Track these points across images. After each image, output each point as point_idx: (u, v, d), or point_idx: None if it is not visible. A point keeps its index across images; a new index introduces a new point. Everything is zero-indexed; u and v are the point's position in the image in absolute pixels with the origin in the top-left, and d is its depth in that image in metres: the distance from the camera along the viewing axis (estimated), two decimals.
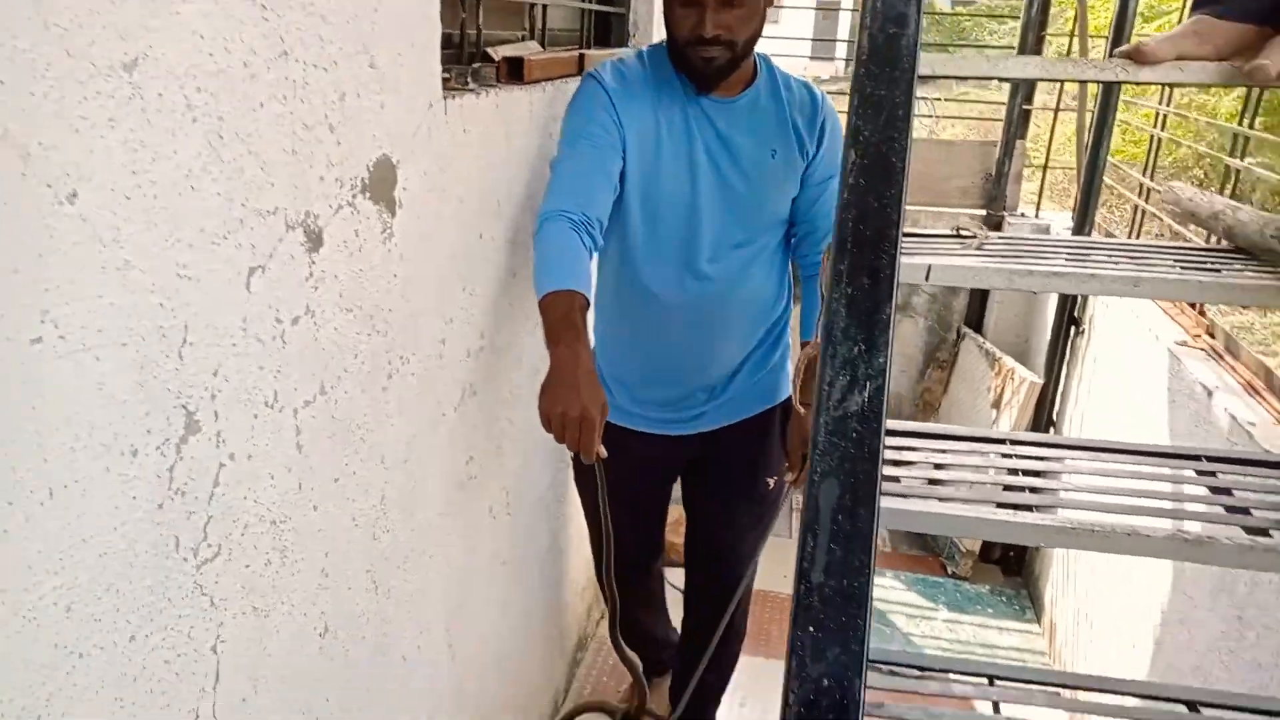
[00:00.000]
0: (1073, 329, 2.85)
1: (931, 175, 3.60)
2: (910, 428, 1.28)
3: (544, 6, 1.92)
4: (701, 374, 1.75)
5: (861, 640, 0.50)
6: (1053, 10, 3.55)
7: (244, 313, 0.89)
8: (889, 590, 3.11)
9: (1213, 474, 1.11)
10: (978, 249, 1.23)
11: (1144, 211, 2.64)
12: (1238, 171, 2.11)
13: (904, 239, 1.31)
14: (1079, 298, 2.85)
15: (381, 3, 1.07)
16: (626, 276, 1.69)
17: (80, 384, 0.71)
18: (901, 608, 3.00)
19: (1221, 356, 1.90)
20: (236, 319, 0.88)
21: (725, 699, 2.19)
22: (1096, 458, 1.17)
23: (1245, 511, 0.99)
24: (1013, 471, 1.14)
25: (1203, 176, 5.27)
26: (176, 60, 0.76)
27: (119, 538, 0.77)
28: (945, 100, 5.92)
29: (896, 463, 1.18)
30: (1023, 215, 3.54)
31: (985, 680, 1.12)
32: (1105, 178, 2.88)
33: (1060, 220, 3.46)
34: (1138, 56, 1.11)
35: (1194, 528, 0.98)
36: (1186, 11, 1.22)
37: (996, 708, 1.08)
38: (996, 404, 3.13)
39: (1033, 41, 3.32)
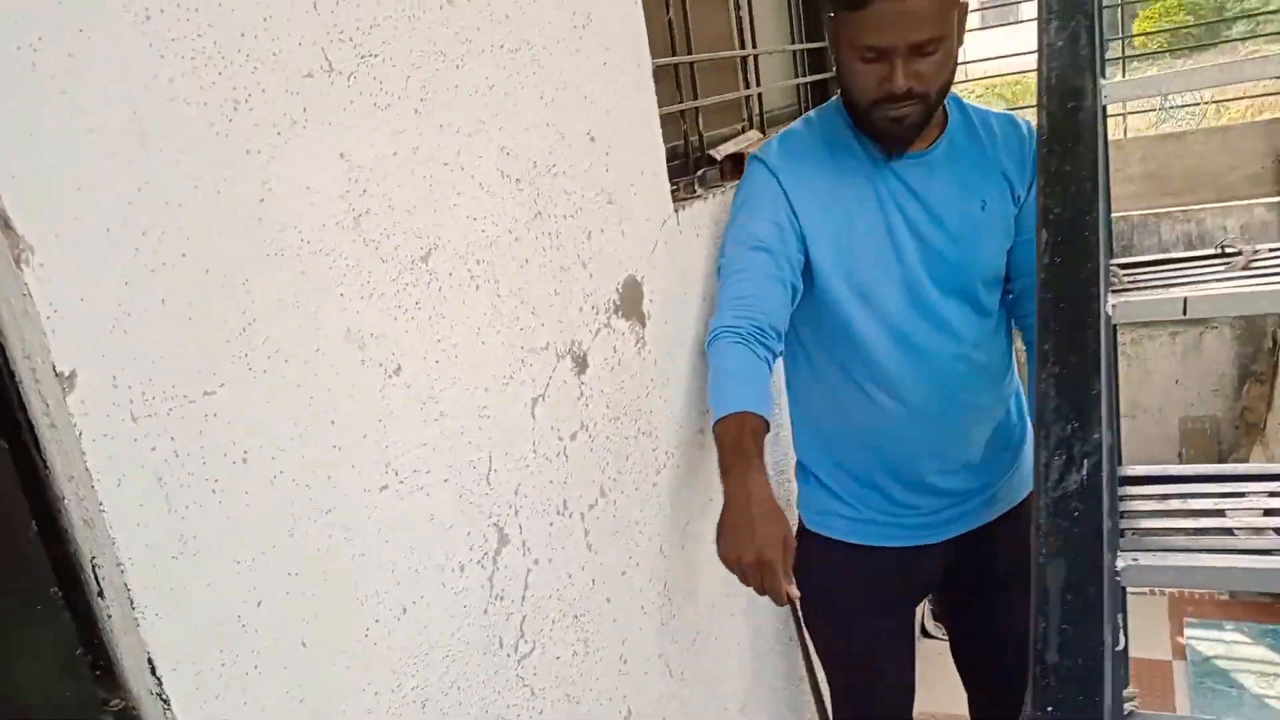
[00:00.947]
0: None
1: (1209, 168, 3.26)
2: (1216, 471, 1.18)
3: (759, 94, 2.03)
4: (941, 461, 1.49)
5: (1099, 715, 0.51)
6: None
7: (532, 438, 1.04)
8: (1230, 646, 2.74)
9: None
10: (1244, 268, 1.14)
11: None
12: None
13: (1155, 268, 1.23)
14: None
15: (611, 145, 1.22)
16: (842, 369, 1.48)
17: (416, 517, 0.87)
18: (1248, 664, 2.64)
19: None
20: (528, 443, 1.03)
21: None
22: None
23: None
24: None
25: None
26: (459, 242, 0.92)
27: (457, 641, 0.92)
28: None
29: (1217, 513, 1.10)
30: None
31: None
32: None
33: None
34: None
35: None
36: None
37: None
38: None
39: None
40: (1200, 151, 3.21)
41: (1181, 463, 3.45)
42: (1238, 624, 2.83)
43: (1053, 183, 0.64)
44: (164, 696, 0.63)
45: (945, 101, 1.41)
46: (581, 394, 1.14)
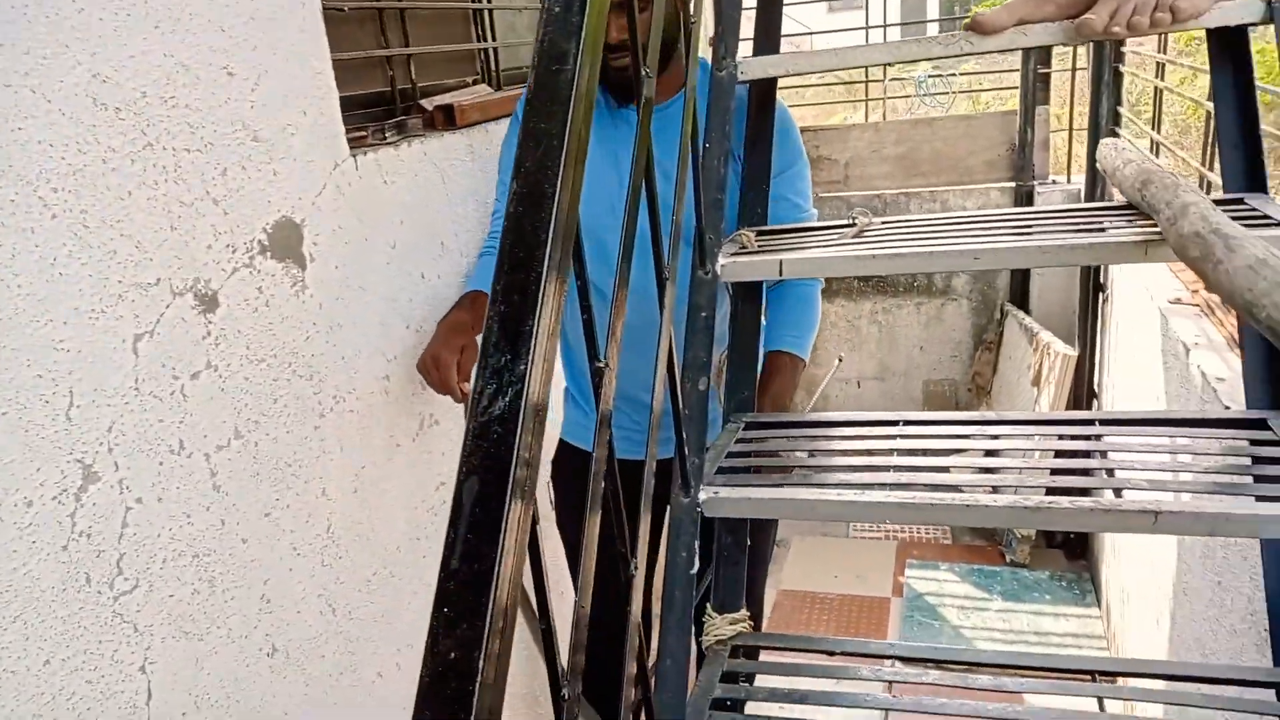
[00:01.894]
0: (1100, 295, 2.75)
1: (954, 153, 3.54)
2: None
3: (494, 49, 2.03)
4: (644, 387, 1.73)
5: (484, 617, 0.56)
6: None
7: (134, 374, 1.02)
8: (942, 584, 3.05)
9: (1095, 437, 1.10)
10: (855, 237, 1.26)
11: None
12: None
13: (790, 235, 1.34)
14: (1103, 265, 2.75)
15: (258, 82, 1.19)
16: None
17: None
18: (953, 600, 2.94)
19: (1213, 311, 1.82)
20: (127, 380, 1.01)
21: None
22: (1015, 429, 1.16)
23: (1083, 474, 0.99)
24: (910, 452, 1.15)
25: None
26: (24, 168, 0.89)
27: (21, 576, 0.90)
28: (960, 75, 5.71)
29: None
30: (1054, 182, 3.43)
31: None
32: (1122, 133, 2.77)
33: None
34: (978, 28, 1.12)
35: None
36: None
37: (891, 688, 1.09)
38: (1036, 381, 3.04)
39: None
40: (947, 137, 3.48)
41: None
42: (951, 565, 3.15)
43: (528, 137, 0.69)
44: None
45: (687, 63, 1.50)
46: (208, 333, 1.12)
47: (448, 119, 1.71)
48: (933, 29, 13.56)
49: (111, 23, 0.98)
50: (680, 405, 1.04)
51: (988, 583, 3.01)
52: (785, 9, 1.44)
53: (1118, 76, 2.92)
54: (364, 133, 1.49)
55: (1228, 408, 1.45)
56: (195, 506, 1.11)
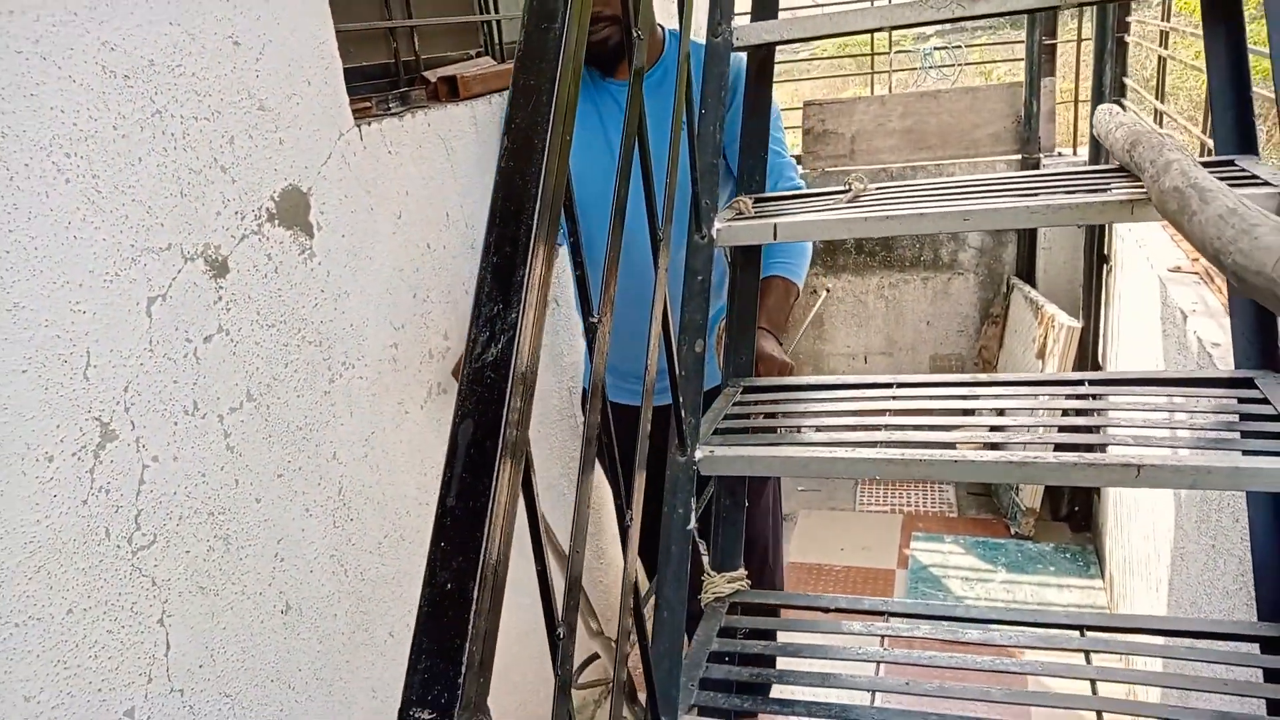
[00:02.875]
0: (1104, 266, 2.76)
1: (960, 125, 3.53)
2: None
3: (497, 22, 2.05)
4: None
5: (479, 550, 0.60)
6: None
7: (149, 336, 1.05)
8: (947, 556, 3.07)
9: (1088, 396, 1.12)
10: (849, 201, 1.27)
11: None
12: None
13: (788, 201, 1.36)
14: (1107, 234, 2.75)
15: (264, 52, 1.22)
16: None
17: None
18: (957, 571, 2.97)
19: (1212, 279, 1.83)
20: (142, 342, 1.04)
21: None
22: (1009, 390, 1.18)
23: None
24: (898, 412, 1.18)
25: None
26: (38, 133, 0.92)
27: (43, 529, 0.94)
28: (968, 47, 5.67)
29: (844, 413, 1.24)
30: (1060, 154, 3.42)
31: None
32: (1129, 104, 2.76)
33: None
34: None
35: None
36: None
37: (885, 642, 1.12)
38: (1041, 354, 3.05)
39: None
40: (952, 109, 3.47)
41: None
42: (956, 537, 3.17)
43: (518, 94, 0.71)
44: None
45: (666, 34, 1.58)
46: (220, 298, 1.16)
47: (451, 91, 1.73)
48: None
49: None
50: (676, 366, 1.06)
51: (992, 555, 3.04)
52: None
53: (1121, 46, 2.91)
54: (368, 103, 1.51)
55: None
56: (210, 466, 1.14)
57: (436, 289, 1.66)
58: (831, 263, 3.86)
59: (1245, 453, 0.98)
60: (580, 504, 0.78)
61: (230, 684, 1.17)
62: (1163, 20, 2.51)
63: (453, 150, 1.70)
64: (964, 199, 1.18)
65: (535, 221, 0.69)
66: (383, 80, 1.67)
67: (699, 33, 1.39)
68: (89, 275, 0.98)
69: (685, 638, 1.12)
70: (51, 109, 0.93)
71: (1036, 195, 1.09)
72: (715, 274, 1.75)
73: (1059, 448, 1.02)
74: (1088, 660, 1.05)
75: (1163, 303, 1.90)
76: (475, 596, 0.59)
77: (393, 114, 1.54)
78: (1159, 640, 1.10)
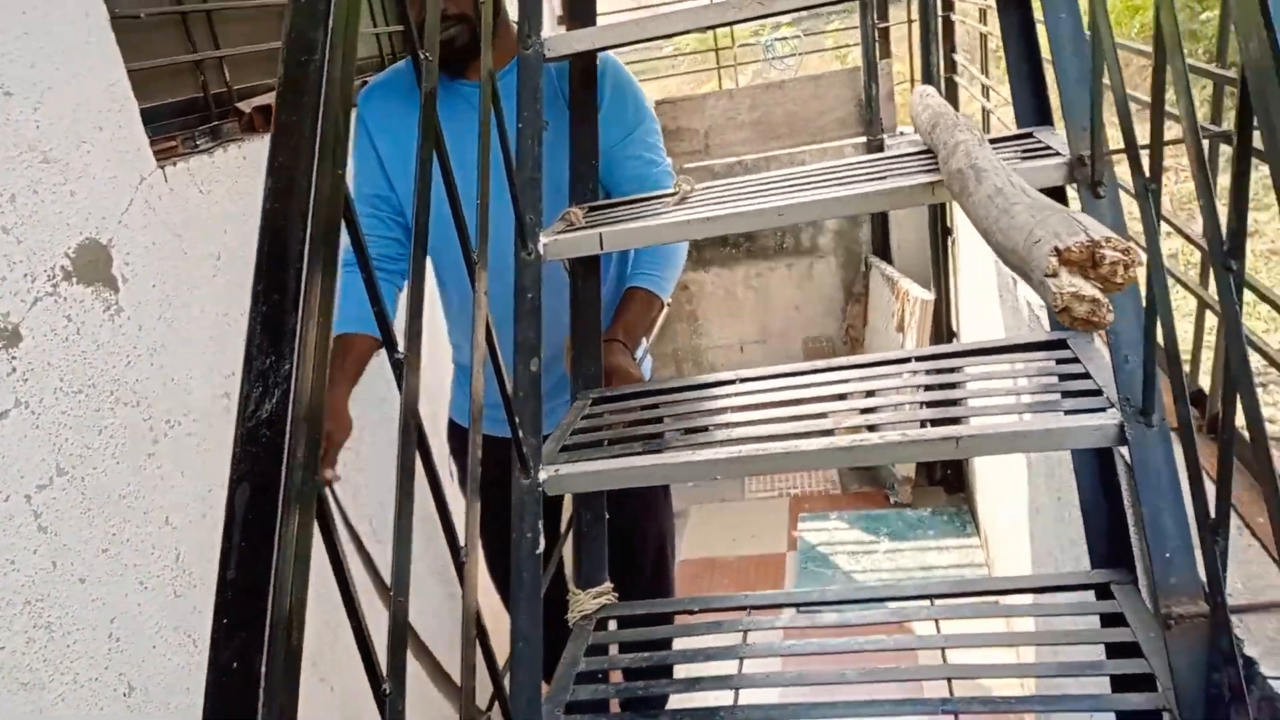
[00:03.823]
0: (948, 239, 2.88)
1: (805, 113, 3.63)
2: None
3: None
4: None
5: (264, 623, 0.56)
6: None
7: None
8: (833, 533, 3.16)
9: (914, 373, 1.16)
10: (678, 203, 1.28)
11: (986, 113, 2.66)
12: None
13: (627, 206, 1.36)
14: (948, 208, 2.88)
15: (42, 101, 1.13)
16: (442, 284, 1.71)
17: None
18: (844, 547, 3.06)
19: None
20: None
21: None
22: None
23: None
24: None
25: None
26: None
27: None
28: (823, 34, 5.87)
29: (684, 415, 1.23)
30: (902, 134, 3.56)
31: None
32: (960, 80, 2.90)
33: None
34: None
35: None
36: None
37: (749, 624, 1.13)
38: (900, 327, 3.17)
39: None
40: (797, 97, 3.57)
41: None
42: (841, 513, 3.26)
43: (279, 132, 0.68)
44: None
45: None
46: (14, 369, 1.07)
47: (267, 120, 1.65)
48: None
49: None
50: (508, 387, 1.04)
51: (875, 526, 3.13)
52: None
53: (948, 25, 3.05)
54: (173, 142, 1.43)
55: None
56: (19, 551, 1.06)
57: None
58: (699, 257, 3.91)
59: (1066, 412, 1.02)
60: (399, 542, 0.76)
61: None
62: None
63: None
64: (784, 193, 1.20)
65: (305, 265, 0.66)
66: (193, 115, 1.58)
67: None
68: None
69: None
70: None
71: (851, 184, 1.12)
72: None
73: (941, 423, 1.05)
74: (938, 629, 1.09)
75: (997, 271, 1.99)
76: (263, 673, 0.55)
77: (201, 150, 1.46)
78: (1004, 600, 1.15)
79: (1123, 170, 1.15)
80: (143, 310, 1.27)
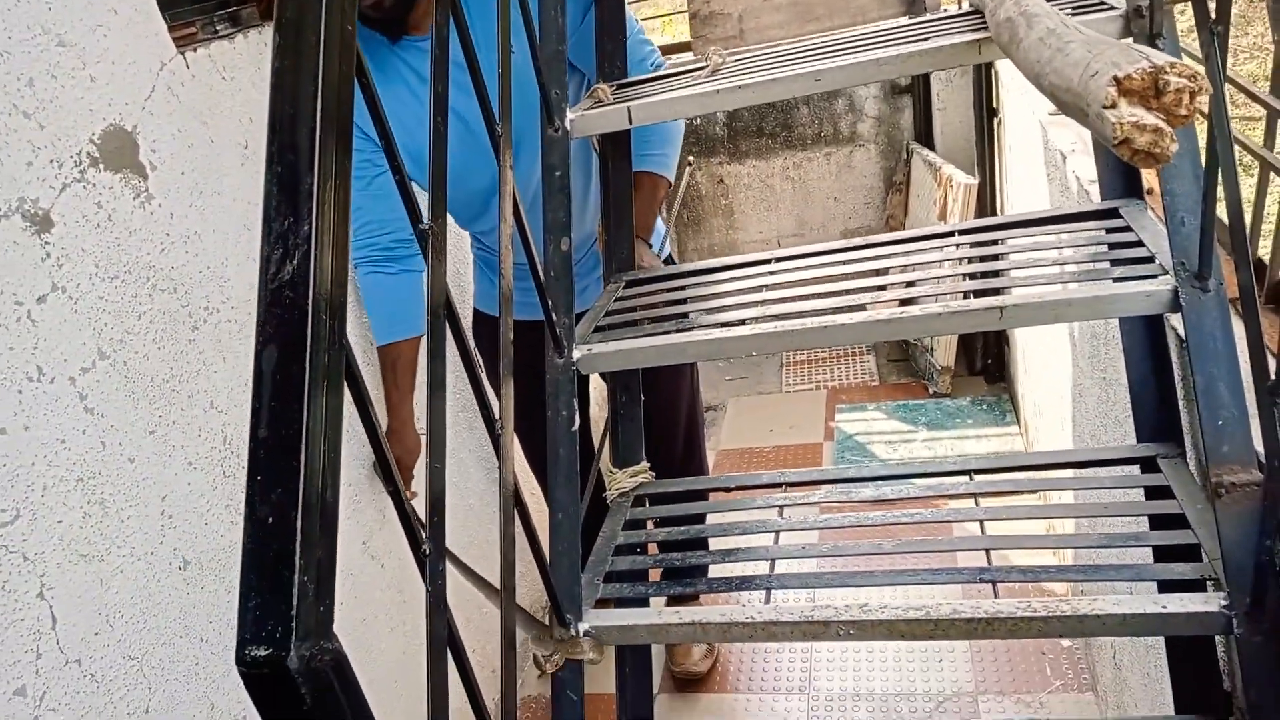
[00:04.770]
0: (994, 120, 2.76)
1: None
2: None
3: None
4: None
5: (297, 478, 0.56)
6: None
7: None
8: (870, 423, 3.15)
9: (968, 245, 1.12)
10: (710, 75, 1.23)
11: None
12: None
13: (649, 84, 1.31)
14: (994, 87, 2.75)
15: None
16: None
17: None
18: (881, 436, 3.05)
19: None
20: None
21: None
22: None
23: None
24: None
25: None
26: None
27: None
28: None
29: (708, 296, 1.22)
30: (946, 12, 3.37)
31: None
32: None
33: None
34: None
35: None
36: None
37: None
38: (942, 214, 3.08)
39: None
40: None
41: None
42: (878, 404, 3.25)
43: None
44: None
45: None
46: (48, 255, 1.07)
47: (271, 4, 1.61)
48: None
49: None
50: (540, 267, 1.03)
51: (913, 416, 3.12)
52: None
53: None
54: (193, 28, 1.39)
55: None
56: (68, 431, 1.08)
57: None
58: (735, 149, 3.80)
59: (1116, 280, 0.99)
60: (434, 419, 0.76)
61: (133, 647, 1.14)
62: None
63: None
64: (818, 59, 1.15)
65: (318, 121, 0.64)
66: (209, 2, 1.54)
67: None
68: None
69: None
70: None
71: (890, 46, 1.06)
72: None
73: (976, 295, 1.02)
74: (976, 503, 1.08)
75: (1045, 147, 1.91)
76: (299, 526, 0.56)
77: (221, 36, 1.43)
78: (1043, 475, 1.14)
79: (1182, 26, 1.08)
80: (173, 198, 1.27)
